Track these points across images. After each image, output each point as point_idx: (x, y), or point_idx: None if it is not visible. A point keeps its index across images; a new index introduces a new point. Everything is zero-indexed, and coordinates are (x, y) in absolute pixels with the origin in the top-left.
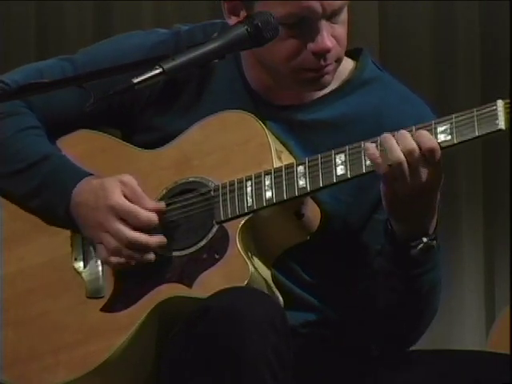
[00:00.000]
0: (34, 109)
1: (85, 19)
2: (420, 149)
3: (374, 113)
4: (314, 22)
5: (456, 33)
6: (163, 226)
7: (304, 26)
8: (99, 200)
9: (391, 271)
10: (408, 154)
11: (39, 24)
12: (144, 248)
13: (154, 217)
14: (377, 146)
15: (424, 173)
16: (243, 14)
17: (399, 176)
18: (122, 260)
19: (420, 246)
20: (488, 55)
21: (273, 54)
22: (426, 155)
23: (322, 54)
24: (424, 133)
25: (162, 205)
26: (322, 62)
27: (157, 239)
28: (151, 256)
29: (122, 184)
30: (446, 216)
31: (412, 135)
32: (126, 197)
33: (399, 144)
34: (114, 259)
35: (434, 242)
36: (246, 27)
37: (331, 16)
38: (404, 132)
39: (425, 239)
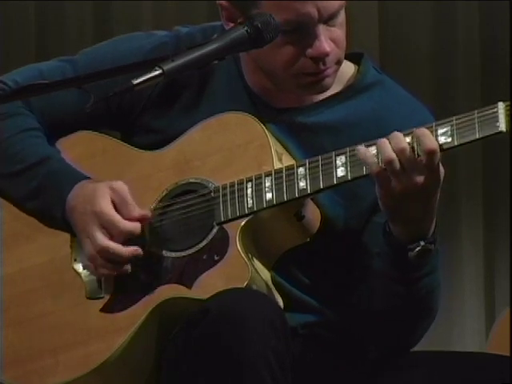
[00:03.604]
0: (34, 110)
1: (85, 19)
2: (413, 148)
3: (374, 117)
4: (311, 28)
5: (456, 33)
6: (164, 226)
7: (301, 31)
8: (87, 205)
9: (388, 273)
10: (399, 152)
11: (39, 24)
12: (116, 258)
13: (135, 227)
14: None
15: (420, 173)
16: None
17: (392, 175)
18: (96, 267)
19: (417, 249)
20: (488, 55)
21: (271, 61)
22: (425, 156)
23: (321, 58)
24: (426, 132)
25: (148, 213)
26: (322, 66)
27: (130, 250)
28: (126, 267)
29: (112, 190)
30: (445, 216)
31: (413, 136)
32: (114, 203)
33: (391, 143)
34: (90, 266)
35: (432, 245)
36: (245, 28)
37: (328, 19)
38: (396, 132)
39: (422, 242)
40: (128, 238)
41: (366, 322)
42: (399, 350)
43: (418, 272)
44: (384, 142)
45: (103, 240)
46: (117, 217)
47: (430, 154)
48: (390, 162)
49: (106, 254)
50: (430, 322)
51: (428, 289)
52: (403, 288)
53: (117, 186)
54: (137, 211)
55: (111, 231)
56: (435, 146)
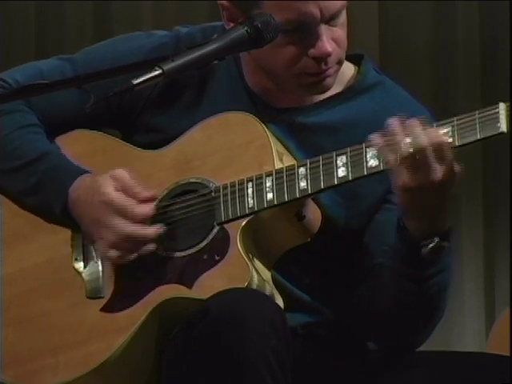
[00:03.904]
0: (34, 108)
1: (85, 19)
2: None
3: (374, 118)
4: (313, 27)
5: (456, 33)
6: (164, 226)
7: (303, 31)
8: (94, 196)
9: (400, 270)
10: (419, 150)
11: (39, 24)
12: (143, 240)
13: (148, 208)
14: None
15: (436, 168)
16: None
17: (409, 169)
18: (123, 254)
19: (431, 246)
20: (488, 56)
21: (273, 61)
22: (436, 151)
23: (323, 58)
24: (433, 130)
25: (156, 192)
26: (323, 66)
27: (154, 230)
28: (151, 247)
29: (114, 179)
30: None
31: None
32: (118, 191)
33: (412, 139)
34: (114, 253)
35: (446, 242)
36: (245, 28)
37: (330, 19)
38: (417, 127)
39: (436, 239)
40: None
41: (370, 320)
42: (403, 350)
43: (431, 269)
44: (399, 137)
45: (127, 225)
46: (129, 202)
47: (439, 146)
48: (408, 157)
49: (132, 238)
50: (436, 322)
51: (440, 287)
52: (414, 285)
53: (117, 173)
54: (146, 192)
55: (128, 216)
56: (441, 138)
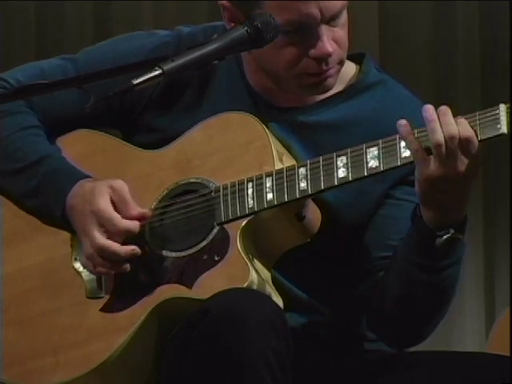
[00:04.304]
0: (35, 108)
1: (85, 19)
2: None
3: (376, 116)
4: (314, 28)
5: (456, 33)
6: (164, 226)
7: (303, 32)
8: (86, 205)
9: (413, 260)
10: (449, 138)
11: (39, 24)
12: (114, 257)
13: (133, 225)
14: (413, 131)
15: (461, 161)
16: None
17: (436, 159)
18: (96, 267)
19: (446, 237)
20: (488, 56)
21: (274, 62)
22: (463, 144)
23: (324, 59)
24: (463, 122)
25: (147, 212)
26: (324, 67)
27: (128, 249)
28: (125, 266)
29: (111, 189)
30: None
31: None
32: (113, 202)
33: (442, 127)
34: (88, 264)
35: (461, 235)
36: (245, 28)
37: (330, 20)
38: (449, 115)
39: (452, 230)
40: (127, 237)
41: (370, 319)
42: (412, 341)
43: (444, 261)
44: (436, 125)
45: (100, 239)
46: (115, 215)
47: (467, 141)
48: (439, 146)
49: (103, 253)
50: (444, 314)
51: (451, 279)
52: (427, 276)
53: (116, 184)
54: (135, 210)
55: (109, 230)
56: (471, 133)
